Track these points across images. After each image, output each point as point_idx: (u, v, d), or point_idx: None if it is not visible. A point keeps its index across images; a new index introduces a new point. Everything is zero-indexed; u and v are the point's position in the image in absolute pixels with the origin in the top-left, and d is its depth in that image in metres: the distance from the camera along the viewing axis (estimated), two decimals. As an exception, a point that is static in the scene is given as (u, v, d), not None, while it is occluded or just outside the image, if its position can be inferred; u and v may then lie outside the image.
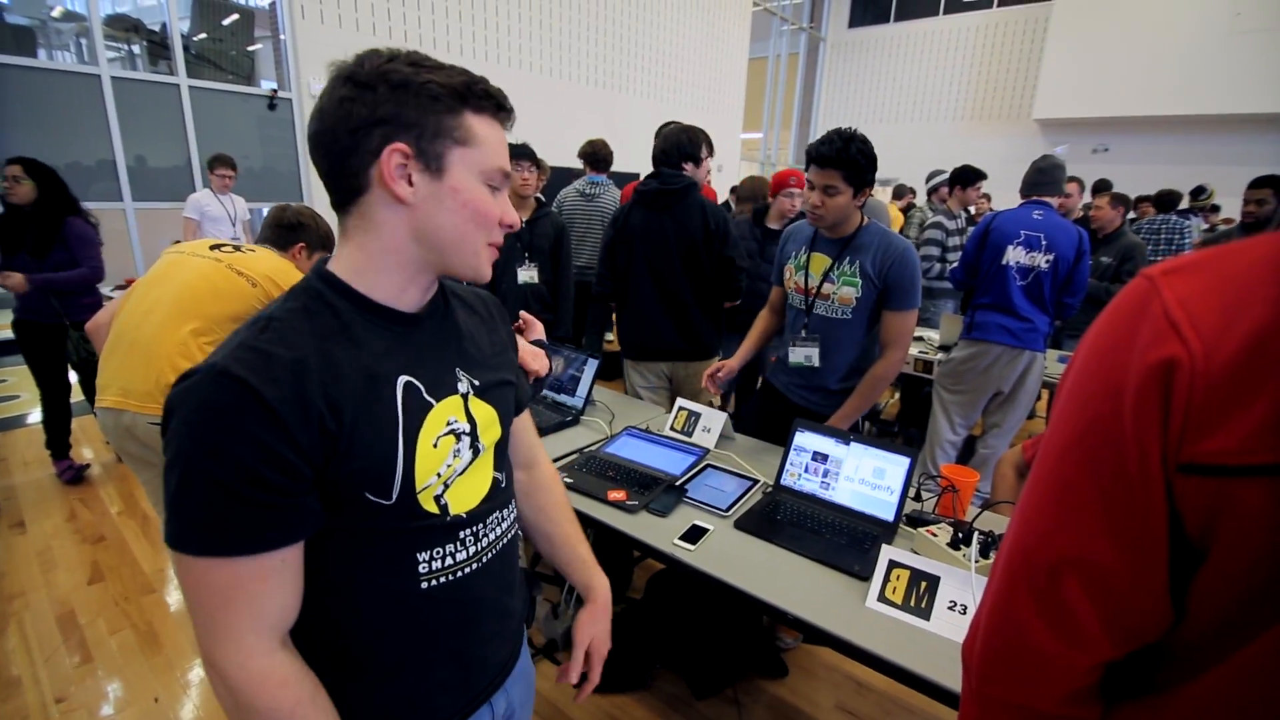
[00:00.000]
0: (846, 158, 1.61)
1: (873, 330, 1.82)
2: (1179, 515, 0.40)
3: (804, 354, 1.87)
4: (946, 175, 4.01)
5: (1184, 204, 5.07)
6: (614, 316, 2.59)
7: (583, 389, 2.06)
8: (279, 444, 0.58)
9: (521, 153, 2.62)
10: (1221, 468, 0.37)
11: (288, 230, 1.83)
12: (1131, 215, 5.18)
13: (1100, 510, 0.42)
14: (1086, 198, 4.68)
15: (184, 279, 1.64)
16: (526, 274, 2.63)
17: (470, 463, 0.73)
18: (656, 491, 1.53)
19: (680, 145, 2.28)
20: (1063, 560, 0.43)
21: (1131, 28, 9.58)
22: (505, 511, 0.80)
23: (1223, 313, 0.37)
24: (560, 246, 2.72)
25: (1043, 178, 2.69)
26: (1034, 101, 10.78)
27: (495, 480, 0.78)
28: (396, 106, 0.62)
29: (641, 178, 2.90)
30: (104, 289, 3.15)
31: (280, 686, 0.60)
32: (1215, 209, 6.61)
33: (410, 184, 0.64)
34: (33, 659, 1.95)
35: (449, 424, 0.71)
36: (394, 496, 0.65)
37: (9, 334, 2.87)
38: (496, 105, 0.68)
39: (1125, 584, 0.42)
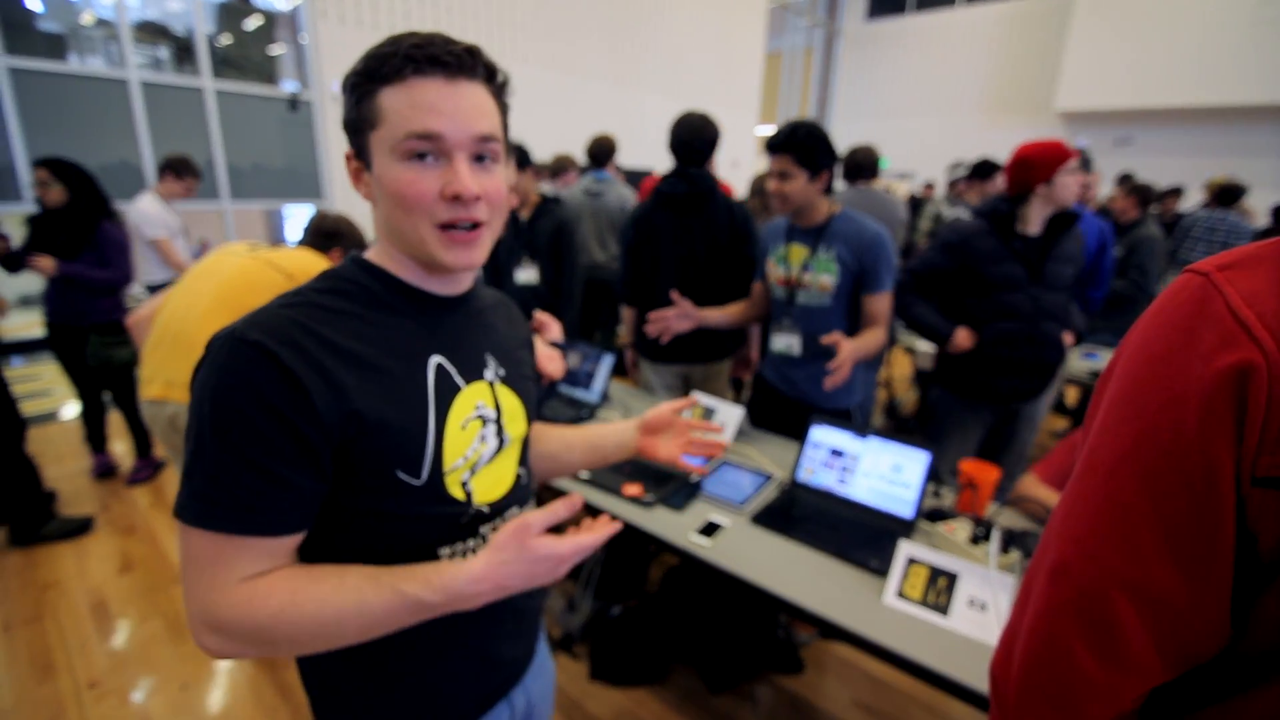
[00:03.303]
0: (794, 141, 1.70)
1: (853, 315, 1.84)
2: (1250, 533, 0.37)
3: (785, 342, 1.90)
4: (965, 168, 3.96)
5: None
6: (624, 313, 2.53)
7: (598, 384, 2.07)
8: (293, 410, 0.57)
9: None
10: None
11: (326, 237, 1.91)
12: (1155, 210, 5.00)
13: (1160, 529, 0.39)
14: (1105, 188, 4.50)
15: (224, 274, 1.71)
16: (525, 275, 2.50)
17: (496, 452, 0.74)
18: (672, 486, 1.53)
19: (703, 136, 2.14)
20: (1116, 583, 0.40)
21: (1154, 17, 9.35)
22: (525, 509, 0.80)
23: None
24: (559, 243, 2.50)
25: None
26: (1056, 92, 10.56)
27: (518, 476, 0.79)
28: (347, 113, 0.64)
29: (659, 173, 2.83)
30: (133, 288, 3.20)
31: (268, 596, 0.58)
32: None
33: (366, 184, 0.66)
34: (67, 645, 2.02)
35: (477, 408, 0.71)
36: (424, 476, 0.65)
37: (39, 332, 2.93)
38: (404, 60, 0.59)
39: (1184, 606, 0.39)
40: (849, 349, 1.61)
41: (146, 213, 3.19)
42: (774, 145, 1.74)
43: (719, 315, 2.01)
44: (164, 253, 3.23)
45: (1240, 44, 8.65)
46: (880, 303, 1.79)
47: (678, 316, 1.87)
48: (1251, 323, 0.35)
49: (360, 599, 0.59)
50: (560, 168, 4.25)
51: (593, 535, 0.66)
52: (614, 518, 1.43)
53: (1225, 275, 0.37)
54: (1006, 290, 1.96)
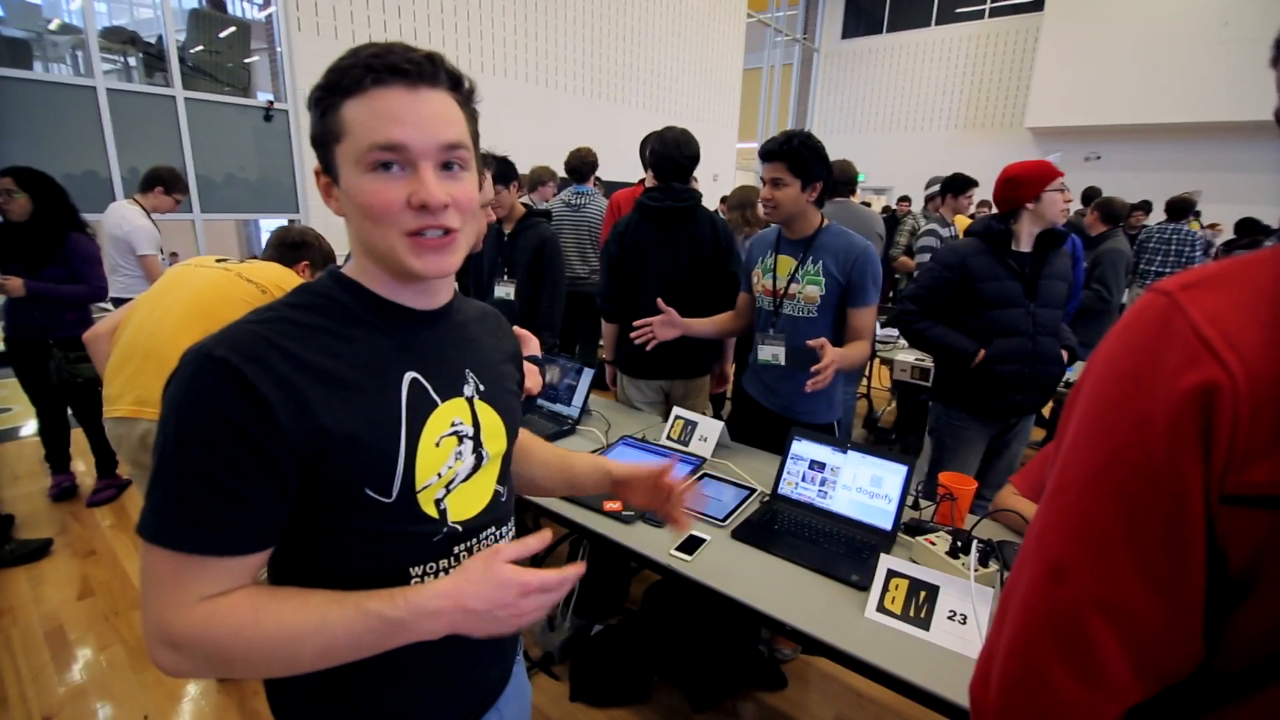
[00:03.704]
0: (789, 150, 1.71)
1: (839, 328, 1.85)
2: (1220, 551, 0.37)
3: (771, 352, 1.90)
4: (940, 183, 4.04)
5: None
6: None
7: (578, 398, 2.05)
8: (255, 427, 0.56)
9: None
10: (1272, 499, 0.34)
11: (291, 249, 1.88)
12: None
13: (1132, 548, 0.39)
14: (1076, 203, 4.72)
15: (195, 287, 1.66)
16: (503, 290, 2.45)
17: (473, 469, 0.72)
18: (653, 501, 1.51)
19: (686, 151, 2.15)
20: (1090, 603, 0.40)
21: (1122, 36, 9.71)
22: (503, 529, 0.78)
23: (1260, 329, 0.35)
24: (541, 259, 2.41)
25: None
26: (1026, 110, 10.90)
27: (496, 493, 0.77)
28: (313, 128, 0.64)
29: (643, 186, 2.81)
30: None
31: (228, 614, 0.57)
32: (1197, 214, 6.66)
33: (335, 199, 0.65)
34: (20, 677, 1.92)
35: (453, 425, 0.70)
36: (394, 494, 0.64)
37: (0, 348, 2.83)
38: (364, 70, 0.59)
39: (1159, 625, 0.39)
40: (834, 353, 1.62)
41: (142, 227, 3.08)
42: (768, 152, 1.74)
43: (703, 325, 2.01)
44: (150, 269, 3.11)
45: (1205, 63, 8.99)
46: (865, 317, 1.80)
47: (662, 324, 1.87)
48: (1215, 341, 0.35)
49: (322, 617, 0.58)
50: (538, 180, 4.23)
51: (559, 574, 0.65)
52: (593, 533, 1.42)
53: (1188, 294, 0.38)
54: (1005, 306, 1.99)
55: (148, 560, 0.58)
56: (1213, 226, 7.42)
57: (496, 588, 0.61)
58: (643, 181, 2.70)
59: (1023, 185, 1.94)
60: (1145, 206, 5.55)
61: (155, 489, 0.57)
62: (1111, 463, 0.39)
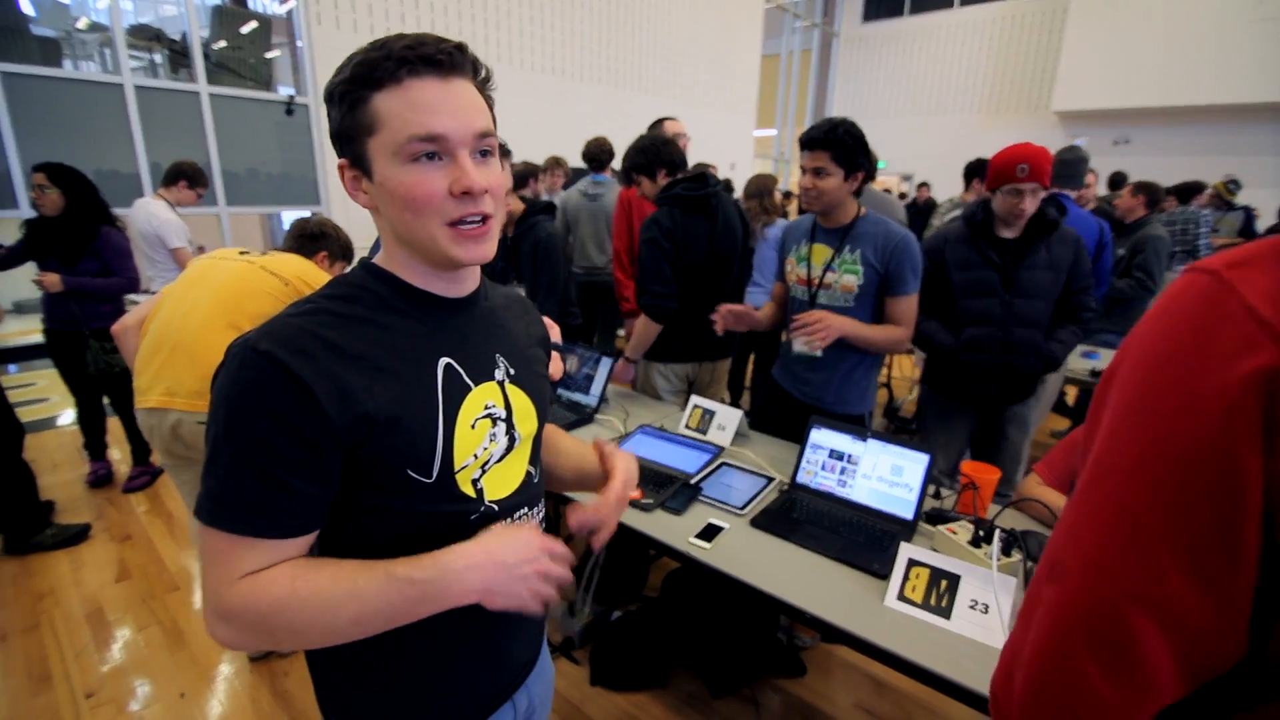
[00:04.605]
0: (834, 138, 1.67)
1: (878, 318, 1.82)
2: (1277, 543, 0.35)
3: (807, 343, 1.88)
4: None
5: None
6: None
7: (596, 387, 2.06)
8: (301, 417, 0.58)
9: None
10: None
11: (310, 240, 1.90)
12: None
13: (1180, 542, 0.37)
14: (1102, 189, 4.67)
15: (221, 280, 1.70)
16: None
17: (506, 451, 0.75)
18: (672, 490, 1.52)
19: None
20: (1131, 600, 0.38)
21: (1151, 16, 9.37)
22: (534, 510, 0.81)
23: None
24: (535, 262, 2.40)
25: (1065, 170, 2.65)
26: (1053, 93, 10.59)
27: (529, 474, 0.79)
28: (334, 123, 0.64)
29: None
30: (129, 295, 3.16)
31: (269, 585, 0.60)
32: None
33: (365, 191, 0.66)
34: (63, 655, 2.00)
35: (486, 408, 0.72)
36: (434, 475, 0.66)
37: (37, 338, 2.92)
38: (399, 62, 0.59)
39: (1205, 620, 0.37)
40: (833, 318, 1.68)
41: (171, 221, 3.15)
42: (812, 141, 1.70)
43: (763, 318, 2.01)
44: (183, 261, 3.15)
45: (1238, 43, 8.66)
46: (904, 305, 1.78)
47: (736, 318, 1.94)
48: (1275, 323, 0.33)
49: (353, 582, 0.61)
50: (544, 169, 4.27)
51: (568, 550, 0.69)
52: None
53: (1237, 274, 0.35)
54: (978, 296, 1.95)
55: (205, 540, 0.61)
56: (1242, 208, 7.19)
57: (523, 542, 0.66)
58: (638, 183, 2.52)
59: (991, 175, 1.88)
60: (1175, 191, 5.43)
61: (209, 475, 0.60)
62: (1156, 452, 0.37)
